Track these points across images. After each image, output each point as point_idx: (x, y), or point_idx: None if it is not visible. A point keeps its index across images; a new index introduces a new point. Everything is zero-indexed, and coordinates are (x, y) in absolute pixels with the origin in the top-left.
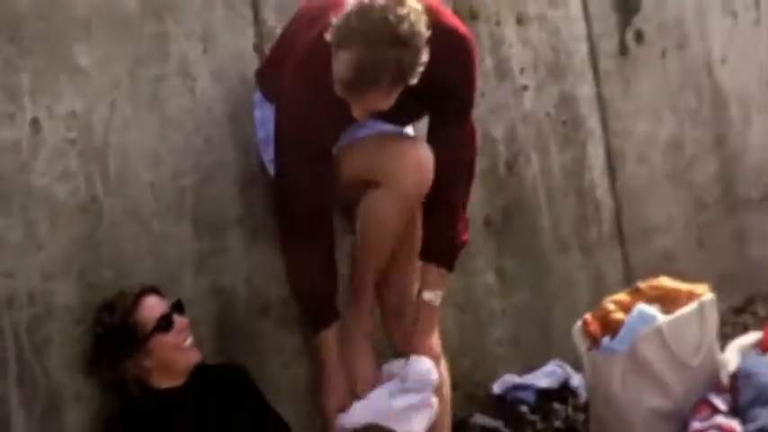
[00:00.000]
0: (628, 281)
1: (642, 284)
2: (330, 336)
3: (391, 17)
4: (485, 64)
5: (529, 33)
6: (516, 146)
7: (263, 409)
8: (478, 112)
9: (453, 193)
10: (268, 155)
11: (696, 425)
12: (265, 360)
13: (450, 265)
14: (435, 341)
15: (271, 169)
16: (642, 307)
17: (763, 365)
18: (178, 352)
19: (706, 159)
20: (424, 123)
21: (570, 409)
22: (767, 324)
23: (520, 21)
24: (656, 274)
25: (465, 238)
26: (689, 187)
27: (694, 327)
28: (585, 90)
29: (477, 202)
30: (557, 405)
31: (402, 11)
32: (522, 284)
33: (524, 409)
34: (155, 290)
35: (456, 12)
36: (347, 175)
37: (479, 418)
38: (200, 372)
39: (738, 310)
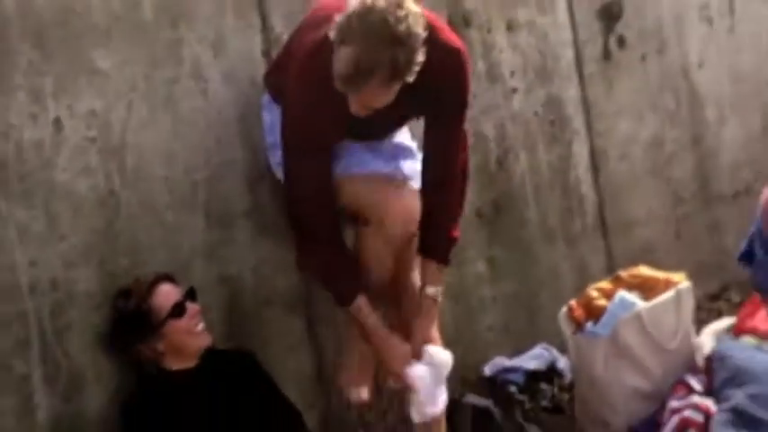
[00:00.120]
0: (610, 270)
1: (623, 273)
2: (362, 303)
3: (390, 17)
4: (477, 68)
5: (518, 39)
6: (506, 144)
7: (270, 391)
8: (471, 112)
9: (451, 193)
10: (275, 158)
11: (674, 404)
12: (271, 344)
13: (448, 261)
14: (437, 332)
15: (278, 172)
16: (623, 294)
17: (736, 349)
18: (190, 336)
19: (683, 157)
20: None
21: (556, 390)
22: (740, 310)
23: (510, 27)
24: (636, 264)
25: (458, 235)
26: (667, 183)
27: (672, 313)
28: (571, 92)
29: (469, 196)
30: (544, 386)
31: (401, 12)
32: (511, 273)
33: (513, 389)
34: (169, 278)
35: (450, 19)
36: (342, 200)
37: (472, 398)
38: (210, 355)
39: (713, 297)
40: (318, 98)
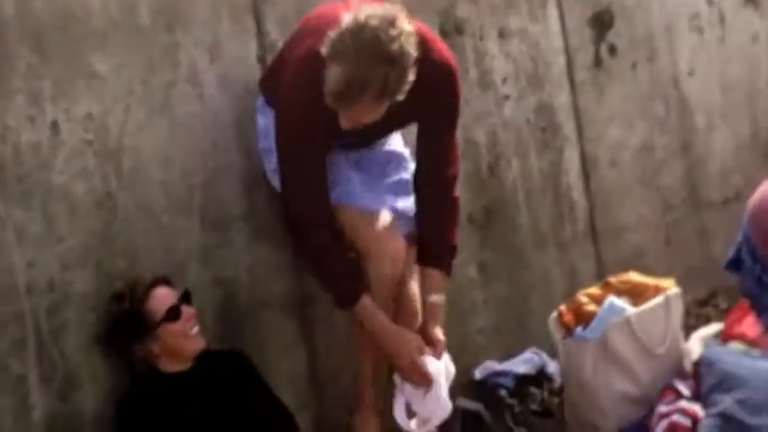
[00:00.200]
0: (600, 275)
1: (613, 279)
2: (366, 302)
3: (382, 36)
4: (469, 75)
5: (510, 47)
6: (498, 150)
7: (263, 391)
8: (463, 119)
9: (447, 201)
10: (270, 165)
11: (662, 408)
12: (265, 346)
13: (450, 271)
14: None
15: (273, 180)
16: (613, 299)
17: (724, 354)
18: (185, 339)
19: (673, 164)
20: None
21: (546, 394)
22: (728, 316)
23: (502, 35)
24: (626, 269)
25: (457, 243)
26: (657, 189)
27: (661, 318)
28: (562, 99)
29: (462, 201)
30: (533, 389)
31: (393, 32)
32: (502, 278)
33: (503, 393)
34: (166, 280)
35: (442, 27)
36: (337, 225)
37: (462, 402)
38: (204, 357)
39: (702, 303)
40: (311, 105)
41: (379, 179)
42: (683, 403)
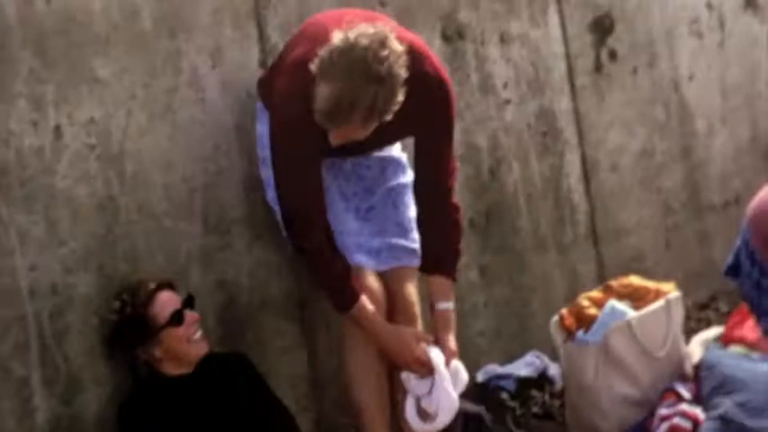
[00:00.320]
0: (600, 279)
1: (614, 282)
2: (363, 303)
3: (371, 57)
4: (470, 79)
5: (511, 52)
6: (499, 154)
7: (265, 394)
8: (465, 123)
9: (448, 207)
10: (270, 194)
11: (663, 411)
12: (266, 348)
13: (455, 274)
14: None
15: (274, 207)
16: (613, 303)
17: (725, 357)
18: (188, 344)
19: (673, 168)
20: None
21: (547, 397)
22: (729, 319)
23: (503, 40)
24: (626, 273)
25: (461, 248)
26: (658, 193)
27: (661, 322)
28: (563, 104)
29: (463, 205)
30: (535, 392)
31: (383, 52)
32: (503, 281)
33: (505, 396)
34: (170, 284)
35: (444, 32)
36: None
37: (464, 404)
38: (207, 360)
39: (702, 307)
40: (301, 116)
41: (377, 186)
42: (684, 406)
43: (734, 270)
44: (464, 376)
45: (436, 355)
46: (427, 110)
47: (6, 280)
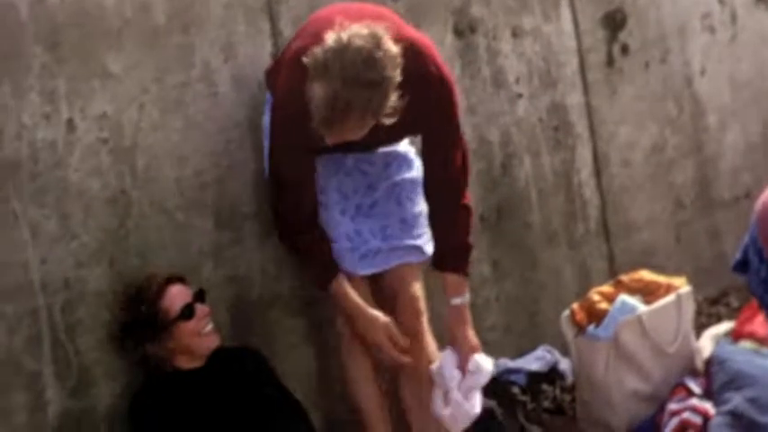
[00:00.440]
0: (611, 273)
1: (624, 277)
2: (341, 282)
3: (365, 59)
4: (482, 74)
5: (523, 46)
6: (510, 149)
7: (276, 388)
8: (476, 117)
9: (456, 204)
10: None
11: (673, 406)
12: (276, 344)
13: (467, 270)
14: (474, 336)
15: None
16: (624, 298)
17: (735, 353)
18: (199, 337)
19: (684, 163)
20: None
21: (558, 391)
22: (739, 314)
23: (515, 34)
24: (637, 268)
25: (472, 242)
26: (668, 188)
27: (672, 316)
28: (575, 98)
29: (474, 200)
30: (546, 387)
31: (377, 54)
32: (514, 276)
33: (516, 390)
34: (181, 278)
35: (456, 26)
36: None
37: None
38: (218, 354)
39: (713, 302)
40: (299, 108)
41: (380, 181)
42: (694, 401)
43: (742, 266)
44: (486, 369)
45: (445, 363)
46: (429, 109)
47: (18, 274)
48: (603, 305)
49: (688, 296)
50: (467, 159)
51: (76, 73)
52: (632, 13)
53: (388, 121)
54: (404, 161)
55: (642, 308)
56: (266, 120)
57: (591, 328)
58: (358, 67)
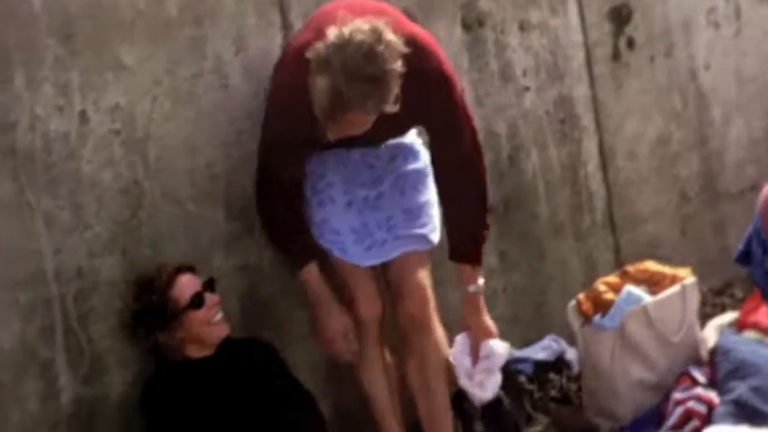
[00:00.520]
0: (617, 264)
1: (630, 268)
2: (312, 268)
3: (366, 54)
4: (490, 67)
5: (531, 40)
6: (517, 141)
7: (286, 378)
8: (484, 110)
9: (469, 197)
10: None
11: (677, 395)
12: (286, 334)
13: (479, 259)
14: (490, 320)
15: None
16: (630, 288)
17: (739, 343)
18: (208, 326)
19: (689, 156)
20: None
21: (564, 380)
22: (743, 305)
23: (522, 28)
24: (643, 259)
25: (486, 233)
26: (674, 181)
27: (677, 307)
28: (581, 92)
29: None
30: (552, 376)
31: (378, 47)
32: (521, 267)
33: (523, 379)
34: (190, 268)
35: (464, 20)
36: None
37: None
38: (228, 344)
39: (717, 292)
40: (298, 101)
41: (386, 174)
42: (699, 390)
43: (745, 257)
44: (500, 352)
45: (456, 351)
46: (430, 103)
47: (32, 263)
48: (609, 295)
49: (693, 287)
50: (478, 149)
51: (89, 65)
52: (638, 8)
53: (390, 109)
54: (410, 153)
55: (648, 298)
56: None
57: (597, 318)
58: (359, 62)
